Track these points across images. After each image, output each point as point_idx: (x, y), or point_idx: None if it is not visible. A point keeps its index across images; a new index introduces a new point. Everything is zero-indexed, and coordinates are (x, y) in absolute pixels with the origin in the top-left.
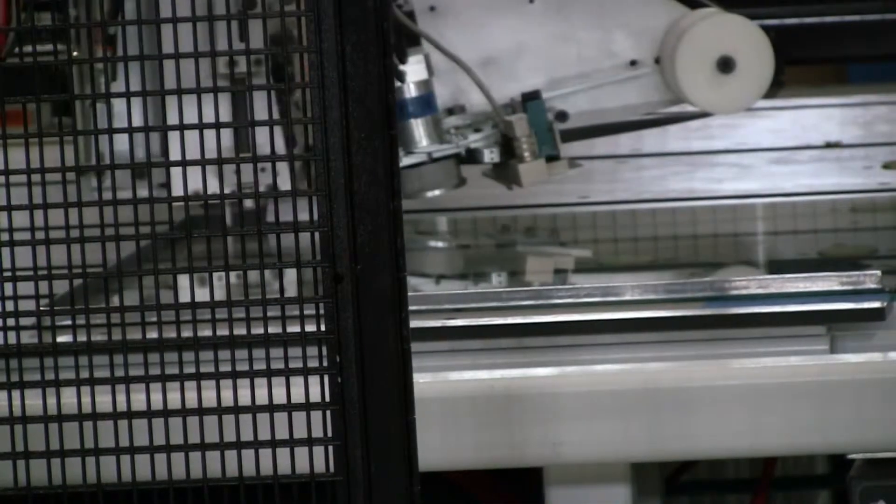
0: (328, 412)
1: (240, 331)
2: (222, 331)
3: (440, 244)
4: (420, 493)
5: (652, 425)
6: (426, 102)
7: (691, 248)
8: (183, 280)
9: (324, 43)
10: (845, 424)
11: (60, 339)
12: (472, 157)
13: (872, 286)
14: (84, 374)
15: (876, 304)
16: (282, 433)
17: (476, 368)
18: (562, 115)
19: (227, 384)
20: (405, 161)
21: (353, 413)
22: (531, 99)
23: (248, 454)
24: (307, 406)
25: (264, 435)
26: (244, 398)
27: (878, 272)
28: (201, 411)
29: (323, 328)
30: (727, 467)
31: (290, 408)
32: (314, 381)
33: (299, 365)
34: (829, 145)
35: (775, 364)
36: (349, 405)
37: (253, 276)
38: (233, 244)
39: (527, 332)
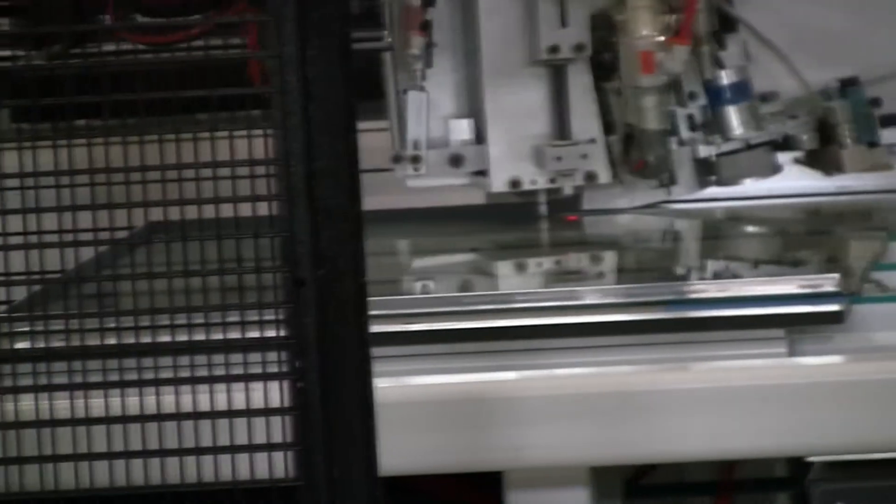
0: (289, 417)
1: (201, 336)
2: (182, 336)
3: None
4: (381, 497)
5: (612, 429)
6: (743, 89)
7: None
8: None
9: (284, 47)
10: (805, 427)
11: (18, 345)
12: (788, 143)
13: (831, 289)
14: (42, 381)
15: (834, 308)
16: (243, 439)
17: (437, 373)
18: (875, 102)
19: (186, 389)
20: (723, 147)
21: (314, 418)
22: (850, 85)
23: (208, 460)
24: (267, 411)
25: (225, 441)
26: (204, 404)
27: (837, 275)
28: (160, 417)
29: (284, 333)
30: (687, 470)
31: (250, 413)
32: (276, 386)
33: (260, 370)
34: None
35: (735, 367)
36: (310, 410)
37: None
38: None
39: (488, 336)
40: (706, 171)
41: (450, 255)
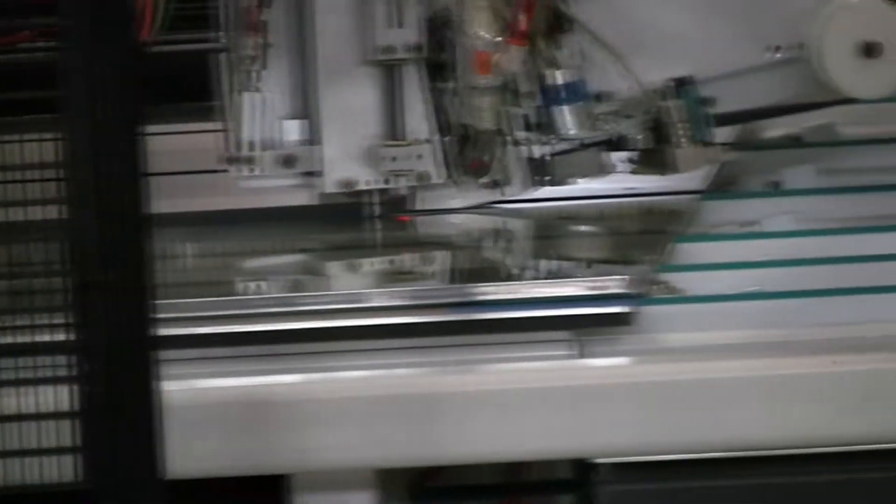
0: (77, 421)
1: None
2: None
3: None
4: (168, 500)
5: (399, 431)
6: (577, 89)
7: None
8: None
9: (70, 51)
10: (591, 429)
11: None
12: (622, 143)
13: (619, 291)
14: None
15: (622, 309)
16: (33, 442)
17: (224, 376)
18: (709, 101)
19: None
20: (556, 148)
21: (101, 421)
22: (684, 84)
23: None
24: (56, 415)
25: (14, 444)
26: None
27: (625, 277)
28: None
29: (73, 337)
30: (474, 472)
31: (38, 417)
32: (67, 389)
33: (51, 374)
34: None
35: (522, 369)
36: (96, 413)
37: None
38: None
39: (274, 339)
40: (539, 171)
41: (280, 257)
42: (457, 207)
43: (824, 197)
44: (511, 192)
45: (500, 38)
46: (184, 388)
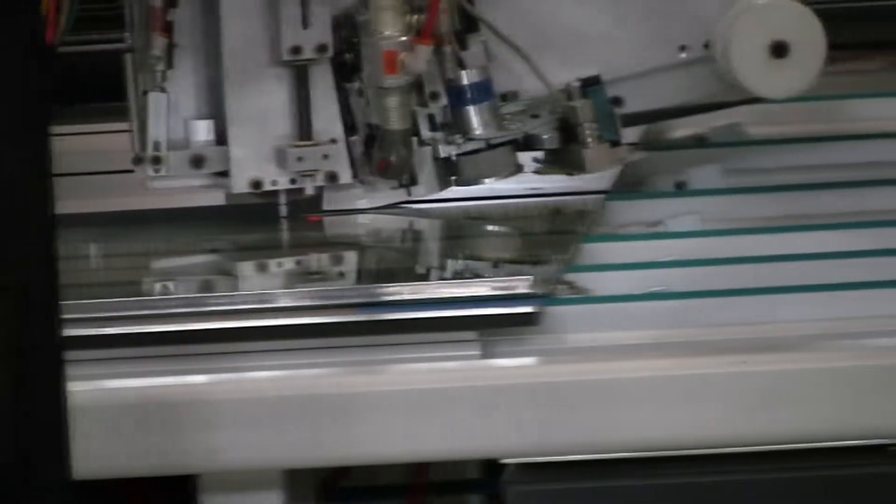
0: None
1: None
2: None
3: None
4: (76, 501)
5: (307, 432)
6: (484, 89)
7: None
8: None
9: None
10: (498, 429)
11: None
12: (529, 143)
13: (524, 291)
14: None
15: (528, 309)
16: None
17: (132, 377)
18: (617, 101)
19: None
20: (463, 147)
21: (6, 424)
22: (591, 84)
23: None
24: None
25: None
26: None
27: (531, 277)
28: None
29: None
30: (382, 473)
31: None
32: None
33: None
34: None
35: (427, 369)
36: (4, 415)
37: None
38: None
39: (183, 339)
40: (447, 171)
41: (189, 257)
42: (364, 208)
43: (730, 197)
44: (418, 193)
45: (405, 38)
46: (91, 388)
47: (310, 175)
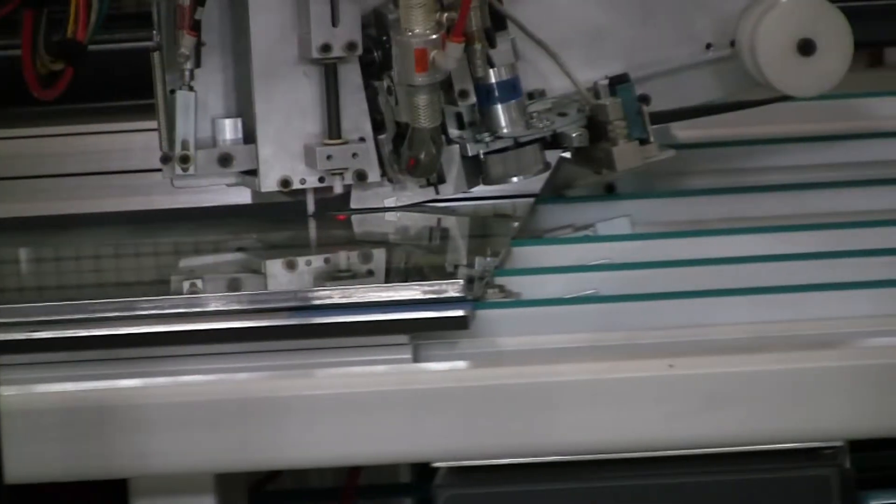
0: None
1: None
2: None
3: None
4: None
5: (238, 435)
6: (512, 87)
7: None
8: None
9: None
10: (429, 432)
11: None
12: (556, 141)
13: (455, 295)
14: None
15: (459, 313)
16: None
17: (63, 381)
18: (644, 99)
19: None
20: (491, 146)
21: None
22: (620, 82)
23: None
24: None
25: None
26: None
27: (461, 281)
28: None
29: None
30: (313, 476)
31: None
32: None
33: None
34: None
35: (358, 373)
36: None
37: None
38: None
39: (113, 343)
40: (475, 170)
41: (217, 255)
42: (392, 206)
43: (660, 200)
44: (446, 191)
45: (436, 36)
46: (21, 392)
47: (339, 174)
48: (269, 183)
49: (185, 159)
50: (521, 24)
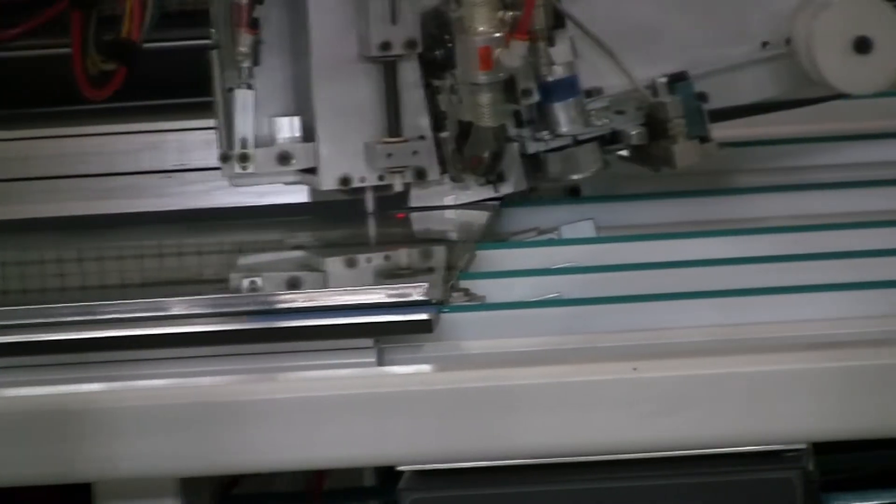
0: None
1: None
2: None
3: None
4: None
5: (203, 440)
6: (570, 85)
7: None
8: None
9: None
10: (394, 436)
11: None
12: (615, 139)
13: (419, 298)
14: None
15: (423, 316)
16: None
17: (27, 385)
18: (702, 97)
19: None
20: (550, 144)
21: None
22: (678, 80)
23: None
24: None
25: None
26: None
27: (426, 284)
28: None
29: None
30: (278, 480)
31: None
32: None
33: None
34: None
35: (323, 377)
36: None
37: None
38: None
39: (77, 347)
40: (534, 168)
41: (272, 253)
42: (451, 204)
43: (623, 203)
44: (505, 190)
45: (499, 34)
46: None
47: (398, 172)
48: (328, 181)
49: (244, 158)
50: (579, 22)
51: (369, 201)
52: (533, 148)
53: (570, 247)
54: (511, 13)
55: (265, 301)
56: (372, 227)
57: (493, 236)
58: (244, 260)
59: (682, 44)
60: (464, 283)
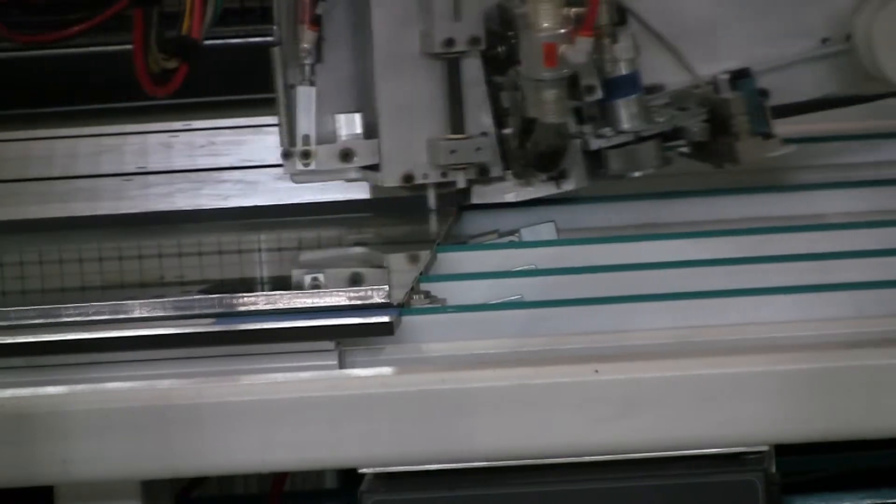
0: None
1: None
2: None
3: None
4: None
5: (163, 442)
6: (632, 82)
7: (197, 265)
8: None
9: None
10: (356, 439)
11: None
12: (677, 135)
13: (380, 301)
14: None
15: (384, 319)
16: None
17: None
18: (764, 93)
19: None
20: (612, 141)
21: None
22: (741, 77)
23: None
24: None
25: None
26: None
27: (386, 287)
28: None
29: None
30: (238, 483)
31: None
32: None
33: None
34: None
35: (285, 379)
36: None
37: None
38: None
39: (36, 350)
40: (596, 164)
41: (337, 250)
42: (514, 201)
43: (585, 205)
44: (567, 186)
45: (564, 30)
46: None
47: (461, 168)
48: (391, 178)
49: (306, 154)
50: (641, 18)
51: (431, 198)
52: (595, 144)
53: (530, 249)
54: (575, 9)
55: (227, 303)
56: (433, 223)
57: (453, 239)
58: (306, 256)
59: (741, 40)
60: (424, 286)
